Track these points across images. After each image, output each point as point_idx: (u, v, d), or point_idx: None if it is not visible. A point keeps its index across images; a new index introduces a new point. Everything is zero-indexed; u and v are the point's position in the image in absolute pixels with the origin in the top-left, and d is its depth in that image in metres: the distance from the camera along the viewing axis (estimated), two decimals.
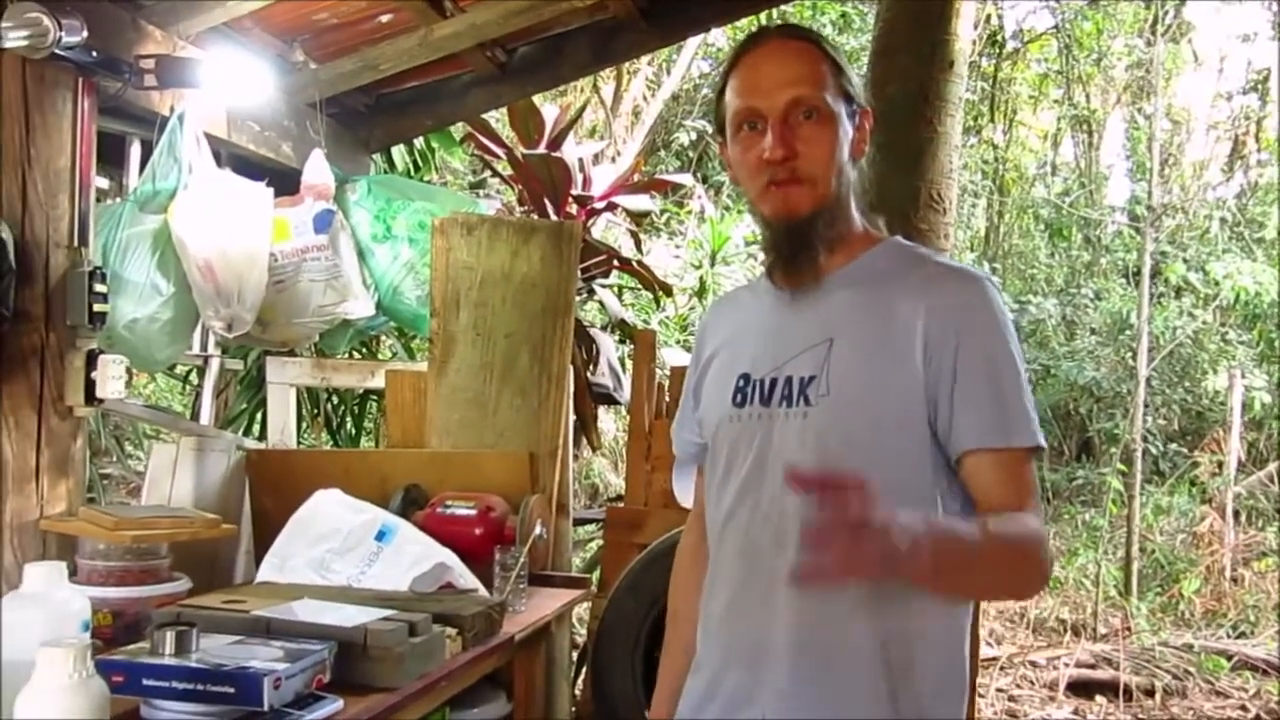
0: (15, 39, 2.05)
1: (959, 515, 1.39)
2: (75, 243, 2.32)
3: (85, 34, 2.17)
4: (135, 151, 2.88)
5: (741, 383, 1.48)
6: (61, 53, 2.16)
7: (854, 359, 1.39)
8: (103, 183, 2.85)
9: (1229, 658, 5.89)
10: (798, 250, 1.45)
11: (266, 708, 1.57)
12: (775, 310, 1.50)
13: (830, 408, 1.39)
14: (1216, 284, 9.20)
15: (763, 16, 4.64)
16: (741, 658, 1.45)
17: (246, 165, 3.08)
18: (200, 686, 1.58)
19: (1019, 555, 1.32)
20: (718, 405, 1.52)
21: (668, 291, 4.88)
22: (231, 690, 1.57)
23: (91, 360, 2.31)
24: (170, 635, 1.64)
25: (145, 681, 1.60)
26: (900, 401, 1.37)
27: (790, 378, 1.42)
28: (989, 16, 11.09)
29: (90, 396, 2.30)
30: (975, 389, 1.36)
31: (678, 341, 7.30)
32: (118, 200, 2.78)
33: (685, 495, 3.28)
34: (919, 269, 1.44)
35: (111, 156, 2.82)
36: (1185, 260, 10.01)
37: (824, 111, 1.42)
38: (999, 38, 11.79)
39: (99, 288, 2.32)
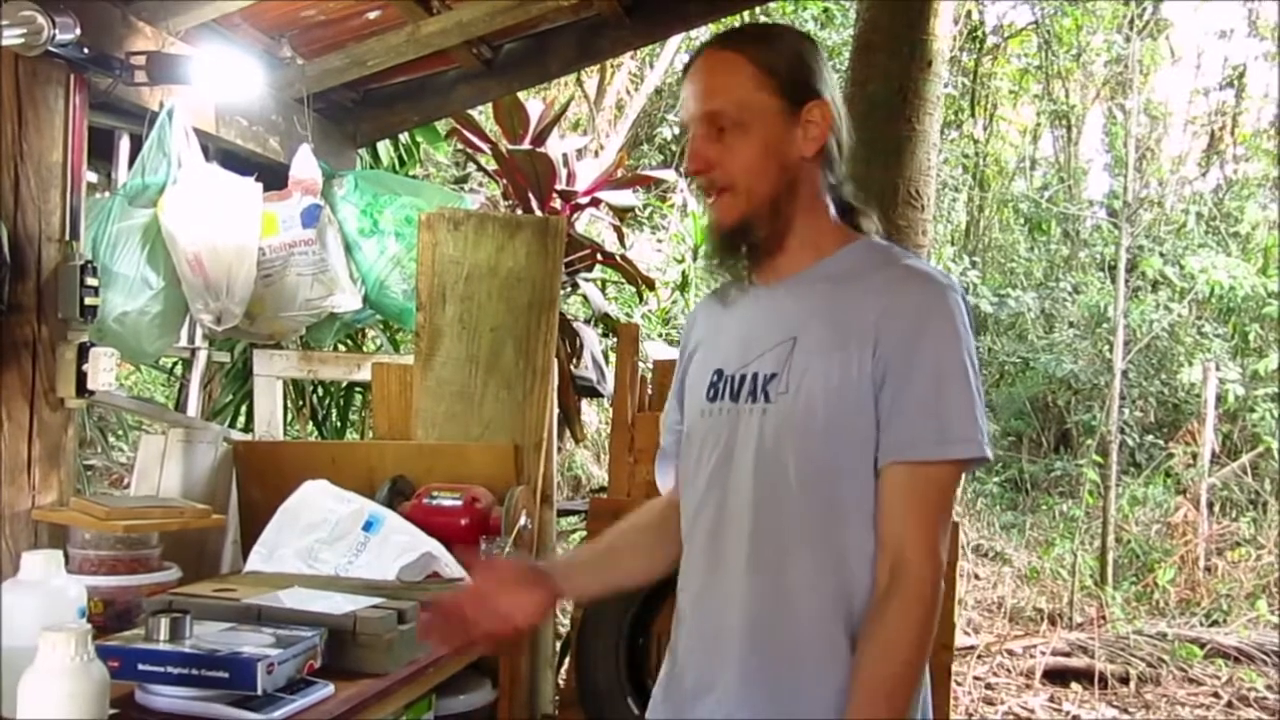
0: (11, 37, 2.07)
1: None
2: (67, 237, 2.35)
3: (78, 31, 2.19)
4: (124, 146, 2.90)
5: (715, 378, 1.51)
6: (54, 50, 2.18)
7: (813, 358, 1.41)
8: (92, 177, 2.87)
9: (1202, 645, 5.95)
10: (726, 256, 1.50)
11: (260, 692, 1.62)
12: (749, 307, 1.53)
13: (787, 405, 1.41)
14: (1192, 278, 9.28)
15: (745, 15, 4.67)
16: (704, 648, 1.48)
17: (234, 160, 3.10)
18: (195, 671, 1.63)
19: (911, 665, 1.35)
20: (695, 400, 1.56)
21: (650, 285, 4.91)
22: (225, 675, 1.62)
23: (83, 353, 2.34)
24: (165, 622, 1.68)
25: (141, 666, 1.64)
26: (854, 403, 1.38)
27: (756, 374, 1.45)
28: (969, 12, 11.16)
29: (82, 388, 2.33)
30: (912, 401, 1.36)
31: (660, 335, 7.35)
32: (107, 194, 2.81)
33: (666, 485, 3.31)
34: (884, 270, 1.45)
35: (101, 151, 2.84)
36: (1162, 254, 10.11)
37: (740, 119, 1.43)
38: (979, 33, 11.87)
39: (90, 281, 2.35)
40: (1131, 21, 10.01)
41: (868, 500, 1.40)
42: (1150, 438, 9.67)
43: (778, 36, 1.53)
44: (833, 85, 1.50)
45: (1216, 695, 5.44)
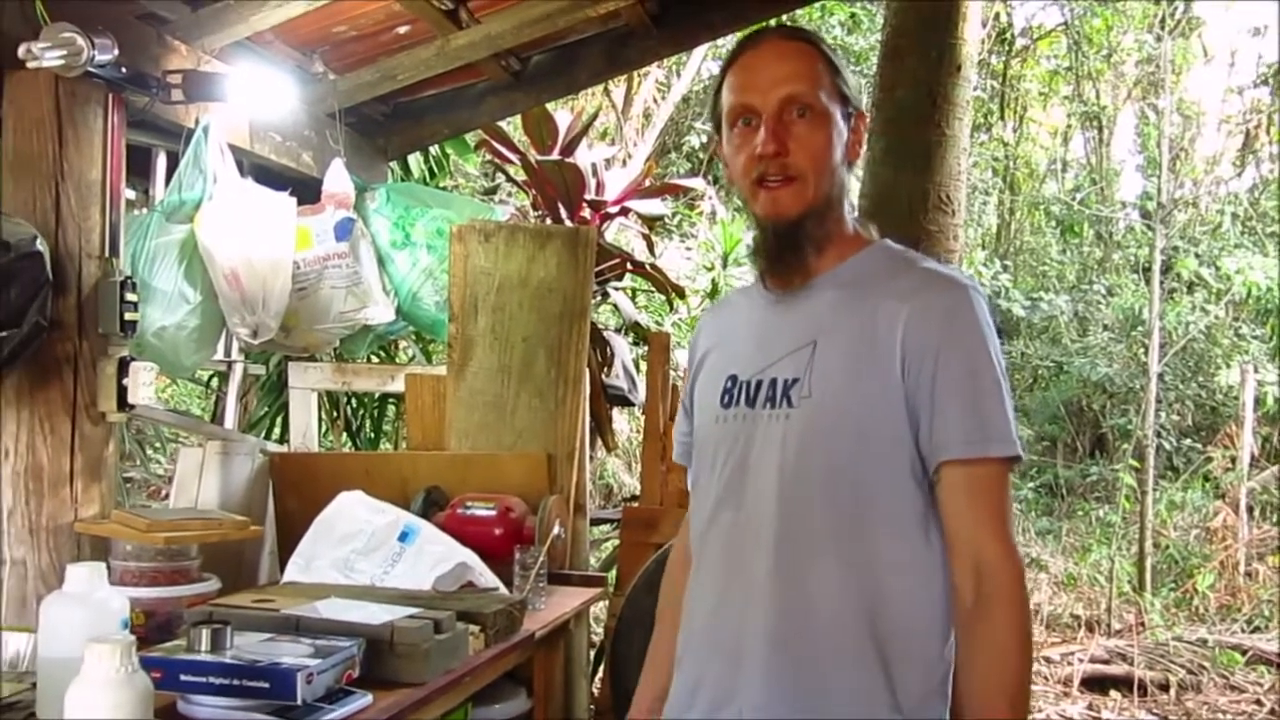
0: (52, 58, 2.11)
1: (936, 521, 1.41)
2: (106, 253, 2.39)
3: (116, 52, 2.23)
4: (161, 163, 2.94)
5: (729, 384, 1.50)
6: (93, 70, 2.22)
7: (836, 362, 1.41)
8: (130, 194, 2.91)
9: (1243, 652, 5.89)
10: (785, 252, 1.47)
11: (299, 702, 1.63)
12: (764, 312, 1.52)
13: (812, 410, 1.40)
14: (1228, 279, 9.18)
15: (772, 22, 4.68)
16: (722, 658, 1.47)
17: (268, 175, 3.13)
18: (236, 682, 1.64)
19: (1022, 666, 1.37)
20: (707, 406, 1.55)
21: (680, 294, 4.92)
22: (266, 685, 1.63)
23: (123, 367, 2.37)
24: (206, 633, 1.70)
25: (183, 677, 1.66)
26: (880, 406, 1.38)
27: (775, 379, 1.44)
28: (998, 14, 11.11)
29: (122, 402, 2.37)
30: (952, 400, 1.37)
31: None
32: (145, 211, 2.85)
33: None
34: (904, 274, 1.45)
35: (138, 168, 2.88)
36: (1197, 255, 10.01)
37: (817, 110, 1.43)
38: (1008, 35, 11.81)
39: (130, 297, 2.38)
40: (1163, 21, 9.94)
41: (900, 506, 1.40)
42: (1188, 441, 9.57)
43: (829, 48, 1.54)
44: None
45: (1259, 702, 5.37)
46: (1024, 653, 1.36)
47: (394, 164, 4.00)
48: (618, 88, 9.55)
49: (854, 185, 1.58)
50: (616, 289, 4.57)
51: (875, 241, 1.52)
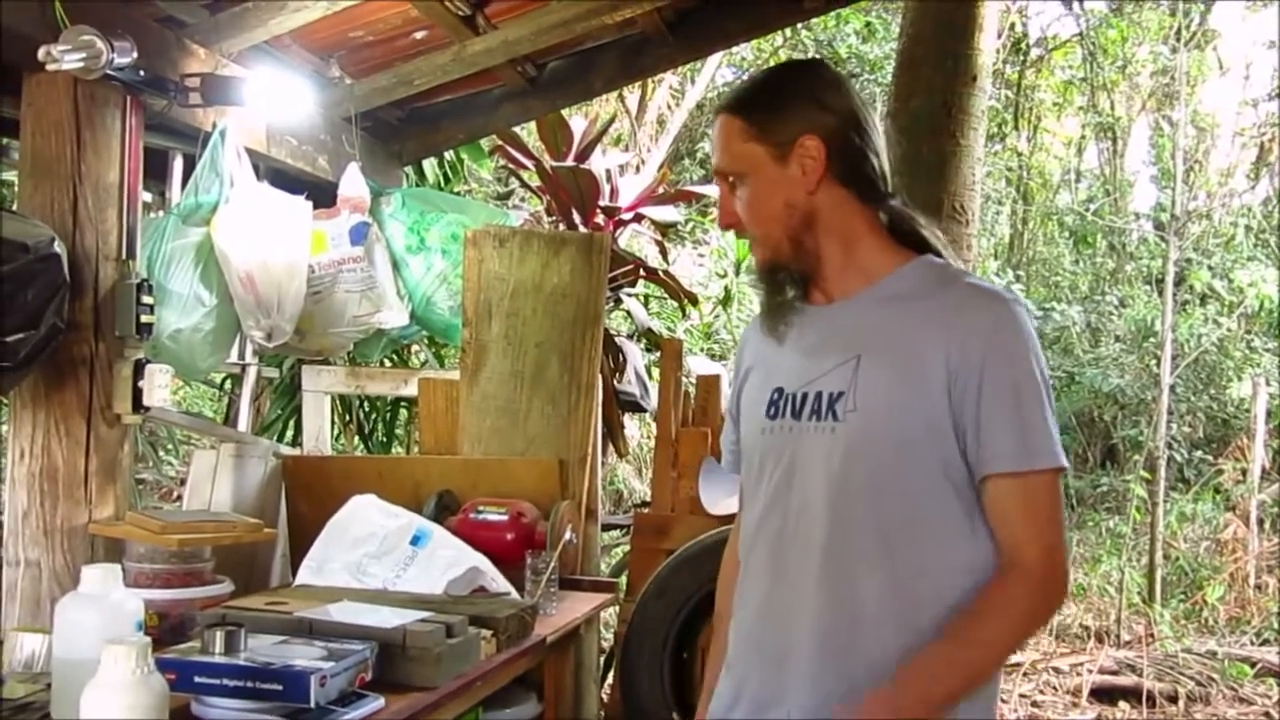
0: (72, 61, 2.13)
1: (986, 533, 1.44)
2: (123, 255, 2.41)
3: (135, 55, 2.24)
4: (178, 166, 2.95)
5: (775, 395, 1.53)
6: (112, 73, 2.24)
7: (881, 376, 1.44)
8: (146, 197, 2.92)
9: (1253, 664, 5.86)
10: (771, 292, 1.57)
11: (313, 704, 1.64)
12: (805, 327, 1.55)
13: (858, 423, 1.43)
14: (1241, 291, 9.16)
15: (785, 32, 4.69)
16: (769, 660, 1.50)
17: (284, 178, 3.15)
18: (249, 684, 1.65)
19: (988, 656, 1.43)
20: (753, 417, 1.58)
21: (693, 300, 4.92)
22: (279, 688, 1.64)
23: (139, 369, 2.38)
24: (220, 635, 1.71)
25: (197, 679, 1.67)
26: (924, 421, 1.41)
27: (820, 393, 1.47)
28: (1013, 24, 11.09)
29: (137, 404, 2.38)
30: (999, 414, 1.40)
31: (703, 349, 7.35)
32: (161, 214, 2.86)
33: (711, 502, 3.33)
34: (948, 289, 1.48)
35: (155, 171, 2.90)
36: (1210, 267, 9.97)
37: (740, 174, 1.52)
38: (1023, 45, 11.79)
39: (146, 299, 2.40)
40: (1178, 32, 9.90)
41: (944, 513, 1.43)
42: (1199, 453, 9.52)
43: (765, 83, 1.58)
44: (843, 108, 1.50)
45: (1268, 715, 5.35)
46: (1002, 642, 1.43)
47: (409, 169, 4.01)
48: (632, 94, 9.55)
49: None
50: (629, 295, 4.57)
51: (915, 256, 1.53)
